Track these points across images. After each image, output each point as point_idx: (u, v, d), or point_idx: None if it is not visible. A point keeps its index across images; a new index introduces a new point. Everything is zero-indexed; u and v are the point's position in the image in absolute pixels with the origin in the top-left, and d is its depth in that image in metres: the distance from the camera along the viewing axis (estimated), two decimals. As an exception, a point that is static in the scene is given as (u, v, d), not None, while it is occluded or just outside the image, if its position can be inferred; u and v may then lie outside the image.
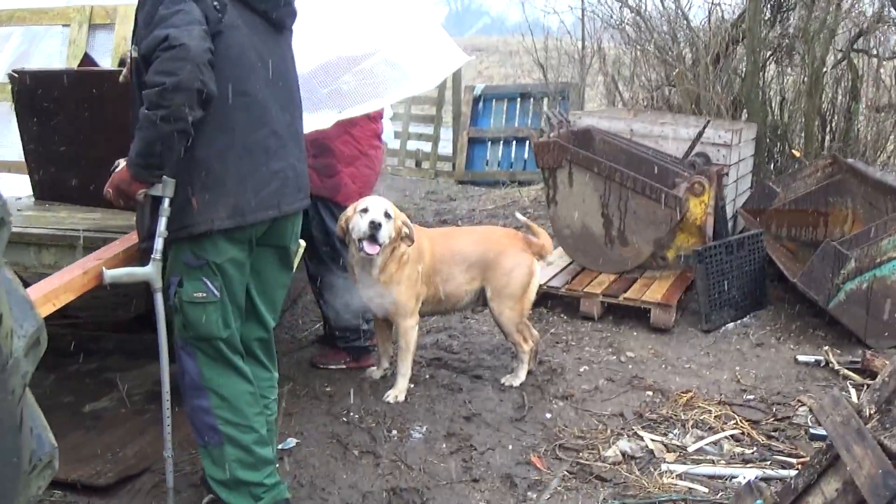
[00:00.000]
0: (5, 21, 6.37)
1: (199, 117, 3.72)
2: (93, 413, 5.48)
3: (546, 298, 7.50)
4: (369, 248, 5.37)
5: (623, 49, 12.10)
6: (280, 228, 4.30)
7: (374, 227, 5.32)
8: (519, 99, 14.24)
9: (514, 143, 14.26)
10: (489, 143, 14.31)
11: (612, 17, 11.88)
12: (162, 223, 3.93)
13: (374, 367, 6.23)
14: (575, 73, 13.21)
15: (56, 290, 3.74)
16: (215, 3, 3.82)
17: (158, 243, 3.97)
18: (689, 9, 11.10)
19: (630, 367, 6.43)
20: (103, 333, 6.66)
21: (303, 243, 4.81)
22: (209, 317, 4.08)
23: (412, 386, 5.93)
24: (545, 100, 13.61)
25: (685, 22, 11.07)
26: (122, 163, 3.94)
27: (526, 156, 13.85)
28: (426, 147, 14.97)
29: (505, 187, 12.82)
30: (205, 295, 4.05)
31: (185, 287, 4.04)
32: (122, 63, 4.67)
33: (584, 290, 7.36)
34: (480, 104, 14.55)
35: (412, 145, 15.15)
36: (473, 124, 14.42)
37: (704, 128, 7.93)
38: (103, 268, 3.99)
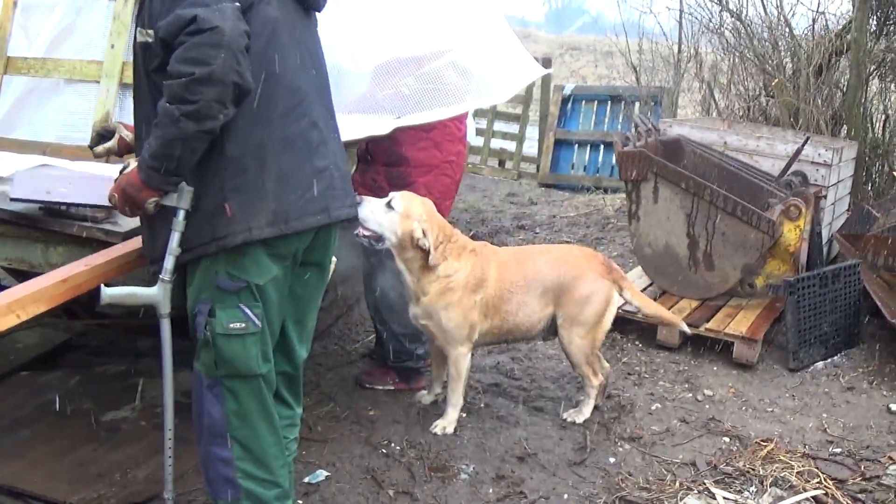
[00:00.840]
0: (47, -11, 6.01)
1: (232, 113, 3.22)
2: (111, 424, 5.12)
3: (621, 323, 6.88)
4: (358, 230, 4.94)
5: (721, 55, 11.49)
6: (324, 241, 3.75)
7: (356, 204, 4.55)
8: (609, 102, 13.65)
9: (602, 147, 13.66)
10: (576, 145, 13.75)
11: (710, 20, 11.29)
12: (175, 239, 3.41)
13: (425, 392, 5.73)
14: (669, 78, 12.57)
15: (22, 299, 3.25)
16: None
17: (169, 262, 3.46)
18: (793, 16, 10.47)
19: (707, 407, 5.83)
20: (137, 335, 6.26)
21: (335, 259, 4.18)
22: (248, 351, 3.53)
23: (464, 415, 5.42)
24: (637, 104, 12.95)
25: (787, 29, 10.44)
26: (132, 163, 3.40)
27: (613, 162, 13.12)
28: (510, 146, 14.47)
29: (589, 193, 12.28)
30: (244, 325, 3.48)
31: (219, 316, 3.46)
32: (100, 137, 4.11)
33: (663, 317, 6.71)
34: (569, 105, 13.99)
35: (496, 144, 14.66)
36: (561, 125, 13.86)
37: (804, 144, 7.26)
38: (102, 286, 3.48)
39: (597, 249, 9.17)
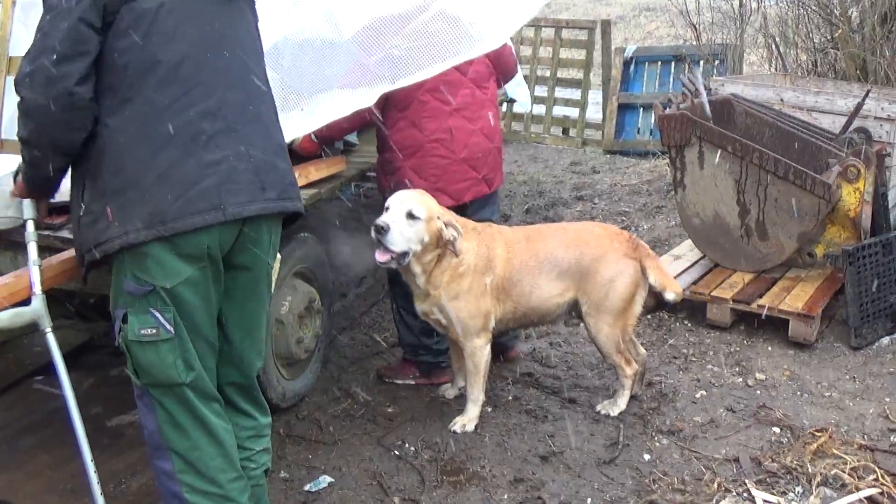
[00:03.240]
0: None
1: (66, 161, 3.33)
2: (115, 429, 5.01)
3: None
4: (378, 256, 4.54)
5: (786, 7, 10.88)
6: (251, 240, 3.40)
7: (380, 230, 4.47)
8: (673, 62, 13.00)
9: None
10: (640, 109, 13.12)
11: (773, -31, 10.70)
12: (31, 249, 3.50)
13: (449, 385, 5.37)
14: (732, 35, 11.97)
15: None
16: None
17: (34, 274, 3.47)
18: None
19: (758, 392, 5.35)
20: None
21: (279, 258, 3.83)
22: (164, 359, 3.27)
23: (488, 410, 5.08)
24: (700, 63, 12.34)
25: (850, -23, 9.75)
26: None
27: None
28: (573, 113, 13.88)
29: (655, 158, 11.71)
30: (155, 331, 3.24)
31: (131, 322, 3.25)
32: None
33: (712, 293, 6.24)
34: (632, 67, 13.37)
35: (558, 111, 14.06)
36: (624, 89, 13.25)
37: (864, 98, 6.64)
38: None
39: (656, 218, 8.75)
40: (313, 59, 4.73)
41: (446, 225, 4.59)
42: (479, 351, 4.82)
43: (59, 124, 3.15)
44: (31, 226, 3.48)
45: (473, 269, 4.73)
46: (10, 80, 5.69)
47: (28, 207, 3.50)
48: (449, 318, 4.76)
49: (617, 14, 25.88)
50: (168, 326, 3.23)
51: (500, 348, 5.58)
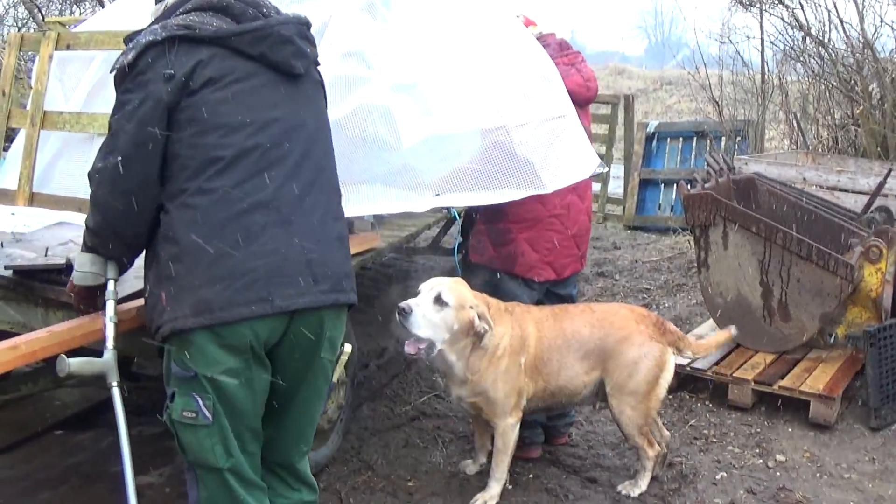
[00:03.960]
0: (84, 44, 5.91)
1: (132, 252, 3.57)
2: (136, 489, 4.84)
3: (691, 382, 6.41)
4: (407, 348, 4.52)
5: (806, 83, 10.94)
6: (298, 332, 3.39)
7: (402, 312, 4.43)
8: (695, 138, 13.08)
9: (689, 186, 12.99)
10: (662, 184, 13.20)
11: (793, 47, 10.74)
12: (109, 307, 3.55)
13: (470, 461, 5.34)
14: (754, 111, 12.03)
15: None
16: (166, 71, 3.23)
17: (109, 329, 3.53)
18: (877, 38, 9.87)
19: (778, 474, 5.31)
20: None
21: (348, 349, 3.79)
22: (202, 443, 3.32)
23: (510, 487, 5.04)
24: (722, 139, 12.39)
25: (871, 53, 9.82)
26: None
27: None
28: (595, 188, 13.91)
29: (675, 235, 11.73)
30: (194, 415, 3.28)
31: (176, 402, 3.31)
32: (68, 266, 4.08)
33: (734, 374, 6.23)
34: (654, 142, 13.45)
35: (581, 185, 14.09)
36: (646, 164, 13.35)
37: (886, 178, 6.69)
38: (62, 355, 3.43)
39: (677, 296, 8.75)
40: (366, 155, 4.77)
41: (479, 316, 4.56)
42: (511, 430, 4.80)
43: (122, 219, 3.33)
44: (111, 285, 3.57)
45: (510, 350, 4.71)
46: (45, 134, 5.84)
47: (112, 267, 3.58)
48: (486, 398, 4.73)
49: (637, 87, 26.11)
50: (206, 413, 3.27)
51: (552, 432, 5.60)
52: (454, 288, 4.58)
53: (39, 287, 4.19)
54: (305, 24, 3.60)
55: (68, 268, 3.98)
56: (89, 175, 3.38)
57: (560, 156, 4.91)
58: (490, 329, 4.59)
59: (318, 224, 3.42)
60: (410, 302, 4.47)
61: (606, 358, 4.87)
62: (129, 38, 3.43)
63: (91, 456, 5.26)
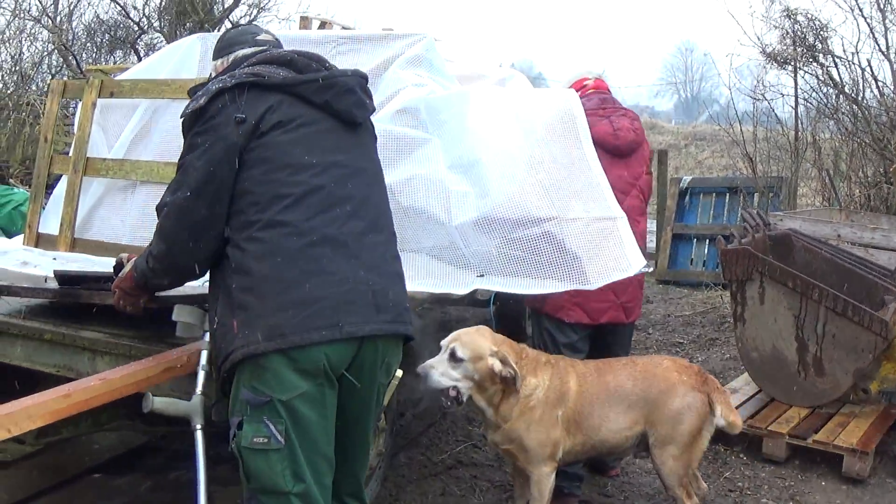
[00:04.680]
0: (127, 92, 6.07)
1: (182, 280, 3.79)
2: None
3: (725, 434, 6.41)
4: (443, 400, 4.66)
5: (839, 140, 11.00)
6: (365, 358, 3.56)
7: (419, 376, 4.57)
8: (728, 193, 13.16)
9: (721, 241, 13.05)
10: (694, 239, 13.26)
11: (826, 105, 10.81)
12: (203, 356, 3.78)
13: None
14: (787, 167, 12.09)
15: (14, 414, 3.11)
16: (237, 115, 3.46)
17: (200, 377, 3.75)
18: (910, 97, 9.94)
19: (812, 528, 5.33)
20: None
21: (399, 374, 3.99)
22: (273, 467, 3.41)
23: (547, 537, 5.01)
24: (755, 195, 12.45)
25: (905, 111, 9.89)
26: (124, 259, 4.05)
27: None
28: (629, 242, 14.00)
29: (707, 290, 11.78)
30: (266, 440, 3.38)
31: (245, 430, 3.40)
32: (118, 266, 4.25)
33: (769, 427, 6.27)
34: (687, 197, 13.54)
35: (612, 240, 14.15)
36: (679, 219, 13.44)
37: (921, 237, 6.74)
38: (149, 393, 3.71)
39: (710, 350, 8.79)
40: (415, 225, 4.93)
41: (502, 363, 4.62)
42: (546, 479, 4.82)
43: (184, 251, 3.52)
44: (208, 336, 3.73)
45: (545, 402, 4.75)
46: (86, 180, 5.96)
47: (206, 320, 3.76)
48: (519, 446, 4.78)
49: (668, 142, 26.18)
50: (279, 437, 3.36)
51: (602, 466, 5.77)
52: (469, 341, 4.63)
53: (86, 295, 4.31)
54: (364, 78, 3.83)
55: (118, 265, 4.15)
56: (158, 208, 3.59)
57: (607, 254, 4.94)
58: (516, 374, 4.63)
59: (379, 259, 3.62)
60: (426, 365, 4.57)
61: (650, 410, 4.88)
62: (194, 89, 3.68)
63: (128, 500, 5.33)
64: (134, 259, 3.89)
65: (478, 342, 4.63)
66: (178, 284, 3.81)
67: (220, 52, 3.88)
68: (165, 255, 3.59)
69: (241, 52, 3.78)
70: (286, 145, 3.51)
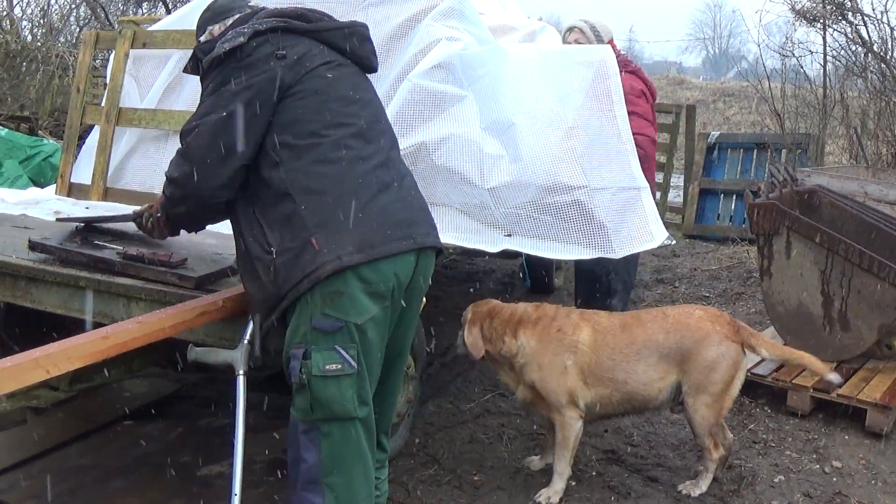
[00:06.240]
0: (160, 43, 6.17)
1: (206, 213, 3.89)
2: (205, 479, 5.11)
3: (751, 388, 6.50)
4: None
5: (867, 99, 10.96)
6: (423, 276, 3.81)
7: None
8: (756, 149, 13.12)
9: (749, 196, 13.04)
10: (721, 195, 13.25)
11: (855, 63, 10.76)
12: (249, 327, 3.78)
13: (536, 457, 5.47)
14: (815, 124, 12.05)
15: (53, 355, 3.15)
16: (277, 51, 3.60)
17: (249, 326, 3.76)
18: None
19: (834, 479, 5.41)
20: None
21: (423, 300, 4.16)
22: (344, 393, 3.56)
23: (573, 484, 5.15)
24: (783, 151, 12.42)
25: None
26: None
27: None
28: (655, 196, 13.98)
29: (734, 245, 11.81)
30: (340, 367, 3.53)
31: (315, 359, 3.50)
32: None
33: (793, 381, 6.32)
34: (715, 152, 13.51)
35: (639, 194, 14.15)
36: (706, 174, 13.42)
37: (947, 194, 6.75)
38: (191, 344, 3.92)
39: (736, 305, 8.84)
40: (448, 183, 5.02)
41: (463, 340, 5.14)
42: (569, 424, 4.93)
43: (211, 174, 3.58)
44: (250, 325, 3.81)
45: (534, 356, 4.94)
46: (119, 130, 6.03)
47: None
48: (538, 396, 4.96)
49: (696, 98, 26.06)
50: (352, 362, 3.52)
51: None
52: (463, 317, 5.15)
53: (121, 265, 4.34)
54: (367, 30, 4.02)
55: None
56: (185, 130, 3.66)
57: (632, 224, 5.10)
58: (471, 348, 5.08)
59: (414, 184, 3.89)
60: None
61: (684, 359, 4.94)
62: (206, 46, 3.82)
63: (161, 446, 5.42)
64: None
65: (466, 318, 5.10)
66: (195, 214, 3.88)
67: (215, 17, 3.99)
68: (188, 178, 3.62)
69: (239, 16, 3.89)
70: (333, 81, 3.68)
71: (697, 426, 5.01)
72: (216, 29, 3.91)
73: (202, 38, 3.95)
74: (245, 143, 3.52)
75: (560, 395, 4.90)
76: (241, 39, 3.55)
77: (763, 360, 6.33)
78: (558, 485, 5.02)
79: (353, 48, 3.83)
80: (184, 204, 3.76)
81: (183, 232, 4.20)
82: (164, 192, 3.83)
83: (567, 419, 4.94)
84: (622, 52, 6.73)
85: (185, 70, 4.15)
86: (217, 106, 3.56)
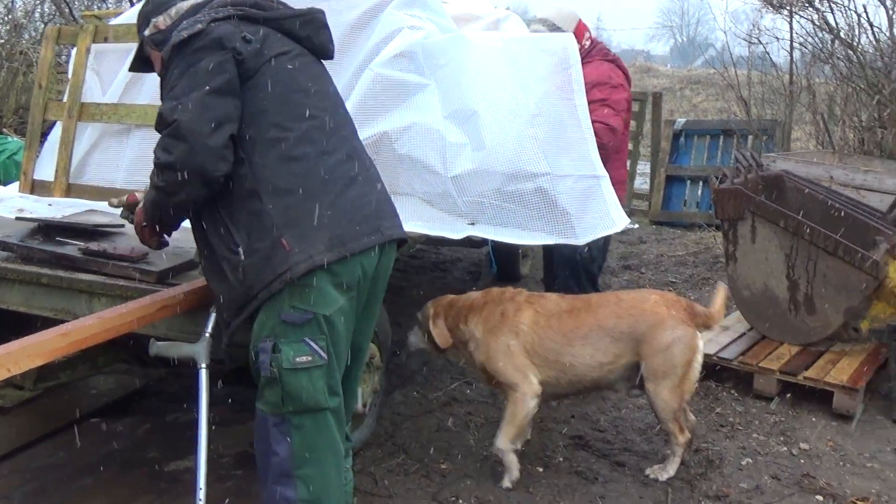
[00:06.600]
0: (122, 37, 6.09)
1: (205, 193, 3.50)
2: (173, 474, 5.08)
3: (717, 371, 6.53)
4: None
5: (834, 85, 11.01)
6: (385, 266, 3.82)
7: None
8: (722, 136, 13.15)
9: (715, 183, 13.08)
10: (688, 181, 13.29)
11: (822, 49, 10.81)
12: (211, 319, 3.81)
13: None
14: (781, 111, 12.10)
15: (14, 353, 3.11)
16: (245, 34, 3.53)
17: (211, 319, 3.80)
18: (905, 43, 9.93)
19: (802, 461, 5.43)
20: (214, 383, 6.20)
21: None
22: (315, 385, 3.54)
23: (540, 470, 5.19)
24: (749, 138, 12.45)
25: (899, 57, 9.88)
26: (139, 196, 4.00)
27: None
28: (622, 184, 14.02)
29: (701, 231, 11.85)
30: (310, 358, 3.51)
31: (284, 351, 3.49)
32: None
33: (760, 364, 6.35)
34: (681, 139, 13.53)
35: (606, 181, 14.18)
36: (673, 161, 13.45)
37: (912, 178, 6.78)
38: (153, 339, 3.89)
39: (703, 290, 8.87)
40: (410, 172, 5.02)
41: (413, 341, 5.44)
42: (520, 402, 4.94)
43: (210, 150, 3.37)
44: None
45: (483, 338, 5.03)
46: (81, 125, 5.97)
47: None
48: (492, 376, 5.07)
49: (664, 86, 26.10)
50: (322, 354, 3.51)
51: None
52: (431, 318, 5.25)
53: (82, 261, 4.36)
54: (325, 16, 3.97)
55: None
56: (168, 109, 3.40)
57: (594, 211, 5.15)
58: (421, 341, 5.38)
59: (377, 172, 3.88)
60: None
61: (639, 343, 4.95)
62: (157, 37, 3.79)
63: (128, 443, 5.39)
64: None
65: (421, 315, 5.29)
66: (197, 196, 3.48)
67: (157, 8, 3.90)
68: (186, 155, 3.35)
69: (184, 4, 3.84)
70: (294, 72, 3.64)
71: (660, 411, 5.03)
72: (160, 21, 3.85)
73: (146, 32, 3.89)
74: (234, 108, 3.45)
75: (509, 374, 4.95)
76: (200, 26, 3.49)
77: (731, 341, 6.40)
78: (504, 461, 5.07)
79: (309, 36, 3.80)
80: (184, 189, 3.42)
81: None
82: (153, 188, 3.57)
83: (519, 395, 4.95)
84: (599, 41, 6.71)
85: (132, 69, 4.10)
86: (195, 84, 3.40)
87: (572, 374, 4.98)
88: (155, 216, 3.71)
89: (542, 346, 4.96)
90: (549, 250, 6.77)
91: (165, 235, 3.97)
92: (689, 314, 5.08)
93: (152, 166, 3.55)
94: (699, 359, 5.09)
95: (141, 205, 3.85)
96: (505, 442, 5.00)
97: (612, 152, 6.14)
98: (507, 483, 4.98)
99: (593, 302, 5.18)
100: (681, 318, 5.02)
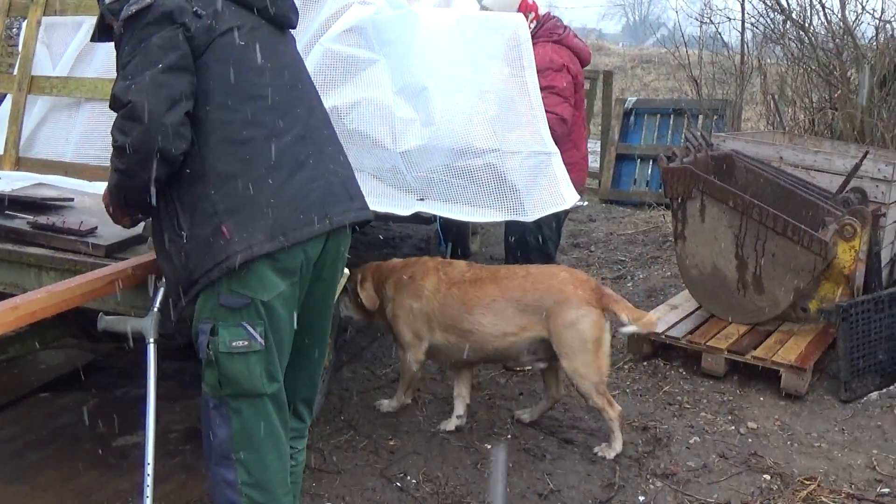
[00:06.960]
0: (72, 10, 5.99)
1: (167, 171, 3.35)
2: (121, 449, 5.06)
3: (665, 350, 6.55)
4: None
5: (785, 66, 11.06)
6: (334, 251, 3.68)
7: None
8: (672, 115, 13.16)
9: (666, 162, 13.10)
10: (638, 160, 13.27)
11: (773, 30, 10.84)
12: (160, 294, 3.80)
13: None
14: (732, 91, 12.13)
15: None
16: (196, 8, 3.37)
17: (159, 294, 3.78)
18: (857, 25, 9.98)
19: (750, 440, 5.46)
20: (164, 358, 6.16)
21: (347, 272, 4.14)
22: (252, 370, 3.47)
23: (489, 447, 5.19)
24: (700, 117, 12.48)
25: (851, 39, 9.92)
26: None
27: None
28: (572, 162, 14.00)
29: (650, 210, 11.86)
30: (246, 343, 3.43)
31: (222, 335, 3.42)
32: None
33: (708, 343, 6.36)
34: (632, 118, 13.54)
35: (556, 159, 14.17)
36: (623, 140, 13.43)
37: (862, 159, 6.80)
38: (101, 313, 3.86)
39: (651, 268, 8.89)
40: (359, 147, 4.93)
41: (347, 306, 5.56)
42: (409, 364, 5.34)
43: (167, 128, 3.24)
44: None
45: (394, 300, 5.30)
46: (31, 99, 5.88)
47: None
48: (394, 336, 5.39)
49: (615, 64, 26.13)
50: (259, 339, 3.42)
51: None
52: (359, 282, 5.40)
53: (31, 235, 4.33)
54: None
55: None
56: (121, 90, 3.29)
57: (544, 187, 5.13)
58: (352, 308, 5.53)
59: (338, 151, 3.78)
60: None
61: (546, 318, 5.04)
62: (112, 9, 3.57)
63: (76, 417, 5.34)
64: None
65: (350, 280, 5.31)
66: (160, 173, 3.32)
67: None
68: (143, 135, 3.23)
69: None
70: (244, 49, 3.48)
71: (580, 387, 5.12)
72: None
73: (106, 1, 3.75)
74: (189, 84, 3.34)
75: (404, 336, 5.25)
76: (149, 0, 3.36)
77: (679, 320, 6.45)
78: (394, 403, 5.62)
79: (267, 6, 3.63)
80: (145, 169, 3.28)
81: (93, 199, 4.04)
82: (114, 171, 3.44)
83: (407, 360, 5.32)
84: (552, 18, 6.67)
85: (93, 39, 3.94)
86: (147, 61, 3.28)
87: (472, 340, 5.11)
88: (121, 198, 3.59)
89: (443, 311, 5.13)
90: (507, 230, 6.77)
91: (141, 214, 3.79)
92: (596, 295, 5.14)
93: (102, 140, 3.45)
94: (607, 338, 5.17)
95: (105, 189, 3.73)
96: (402, 395, 5.59)
97: (563, 136, 6.14)
98: (383, 407, 5.59)
99: (501, 273, 5.30)
100: (586, 297, 5.08)
